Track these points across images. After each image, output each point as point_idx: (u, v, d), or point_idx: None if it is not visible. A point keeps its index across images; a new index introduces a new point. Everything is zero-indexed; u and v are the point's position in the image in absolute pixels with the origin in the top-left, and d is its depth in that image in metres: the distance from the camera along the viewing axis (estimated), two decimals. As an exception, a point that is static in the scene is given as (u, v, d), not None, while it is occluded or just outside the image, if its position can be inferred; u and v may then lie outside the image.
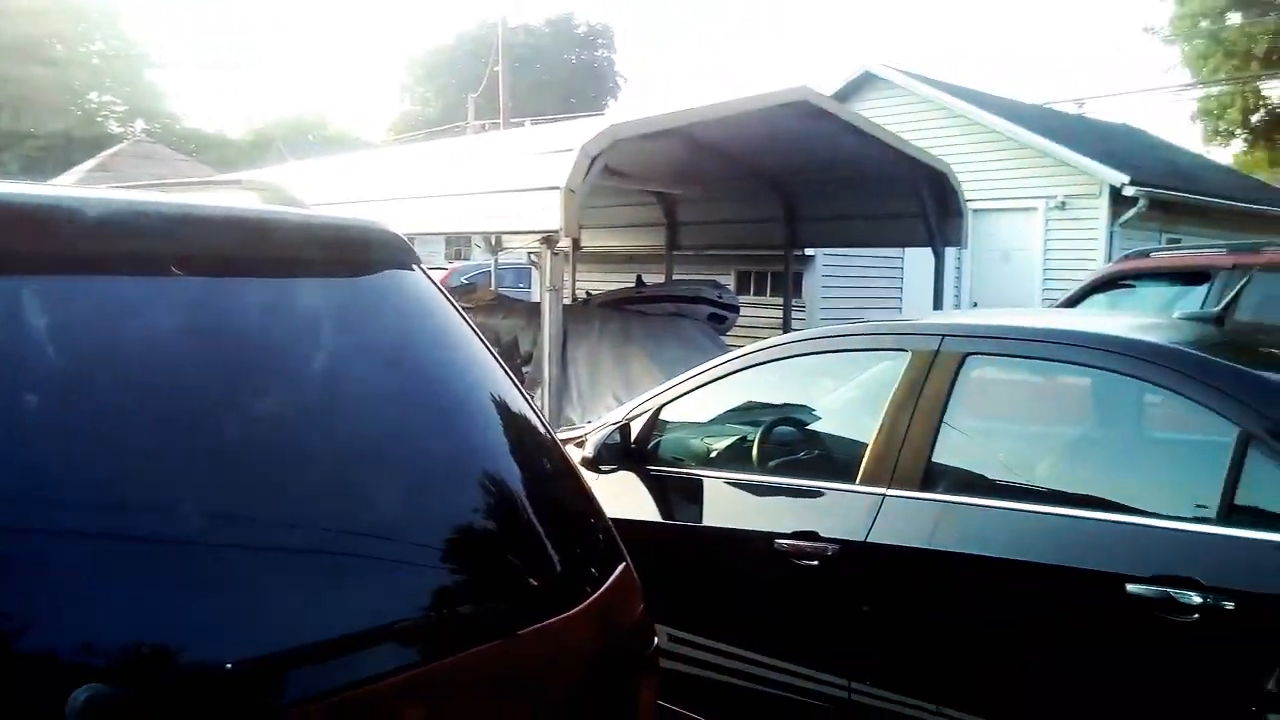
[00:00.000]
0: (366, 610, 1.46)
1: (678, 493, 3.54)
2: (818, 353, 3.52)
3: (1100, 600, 2.52)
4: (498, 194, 6.84)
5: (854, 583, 2.98)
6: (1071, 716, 2.58)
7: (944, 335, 3.11)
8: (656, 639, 1.96)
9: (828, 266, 14.06)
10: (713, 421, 3.95)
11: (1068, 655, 2.60)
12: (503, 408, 1.85)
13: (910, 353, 3.13)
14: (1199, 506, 2.52)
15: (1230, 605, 2.30)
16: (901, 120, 14.19)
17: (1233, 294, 3.26)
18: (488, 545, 1.70)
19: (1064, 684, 2.60)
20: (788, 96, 8.01)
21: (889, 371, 3.20)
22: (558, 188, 6.06)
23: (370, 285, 1.80)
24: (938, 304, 9.70)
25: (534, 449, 1.88)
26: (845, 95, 15.71)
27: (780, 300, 12.27)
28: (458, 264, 23.20)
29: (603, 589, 1.75)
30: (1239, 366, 2.65)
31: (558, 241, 6.27)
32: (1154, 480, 2.90)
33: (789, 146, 9.18)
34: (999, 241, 14.93)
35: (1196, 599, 2.34)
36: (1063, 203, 14.26)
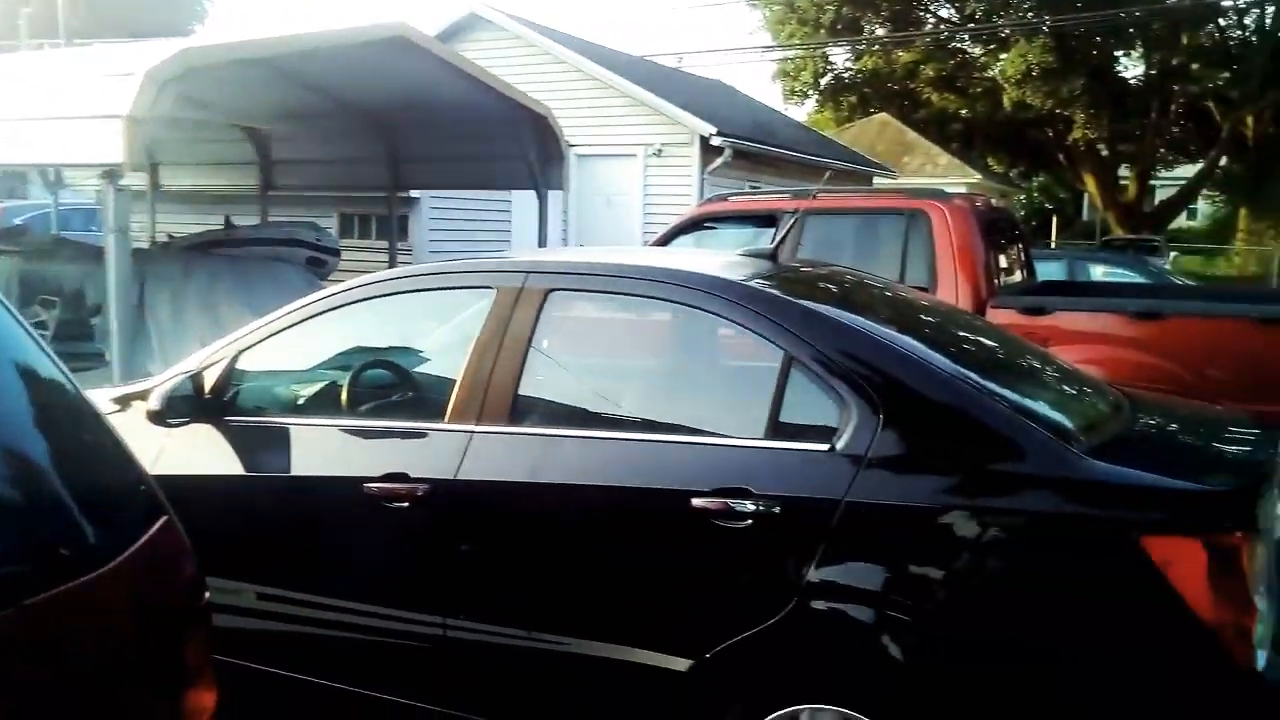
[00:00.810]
0: None
1: (260, 443, 3.33)
2: (404, 292, 3.43)
3: (671, 514, 2.69)
4: (49, 121, 5.99)
5: (446, 520, 2.97)
6: (652, 624, 2.74)
7: (528, 272, 3.15)
8: (208, 593, 1.83)
9: (435, 209, 13.92)
10: (300, 367, 3.76)
11: (645, 568, 2.77)
12: (6, 358, 1.62)
13: (496, 290, 3.14)
14: (753, 424, 2.75)
15: (777, 510, 2.55)
16: (507, 63, 14.27)
17: (783, 233, 3.58)
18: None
19: (643, 594, 2.77)
20: (384, 32, 7.73)
21: (477, 310, 3.19)
22: (119, 116, 5.42)
23: None
24: (543, 246, 9.93)
25: (48, 403, 1.67)
26: (450, 35, 15.52)
27: (386, 244, 11.97)
28: (6, 204, 20.08)
29: (135, 547, 1.59)
30: (781, 295, 2.92)
31: (121, 176, 5.62)
32: (718, 402, 3.14)
33: (389, 85, 8.91)
34: (603, 186, 15.57)
35: (750, 506, 2.57)
36: (659, 150, 15.12)
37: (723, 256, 3.47)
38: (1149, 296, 6.21)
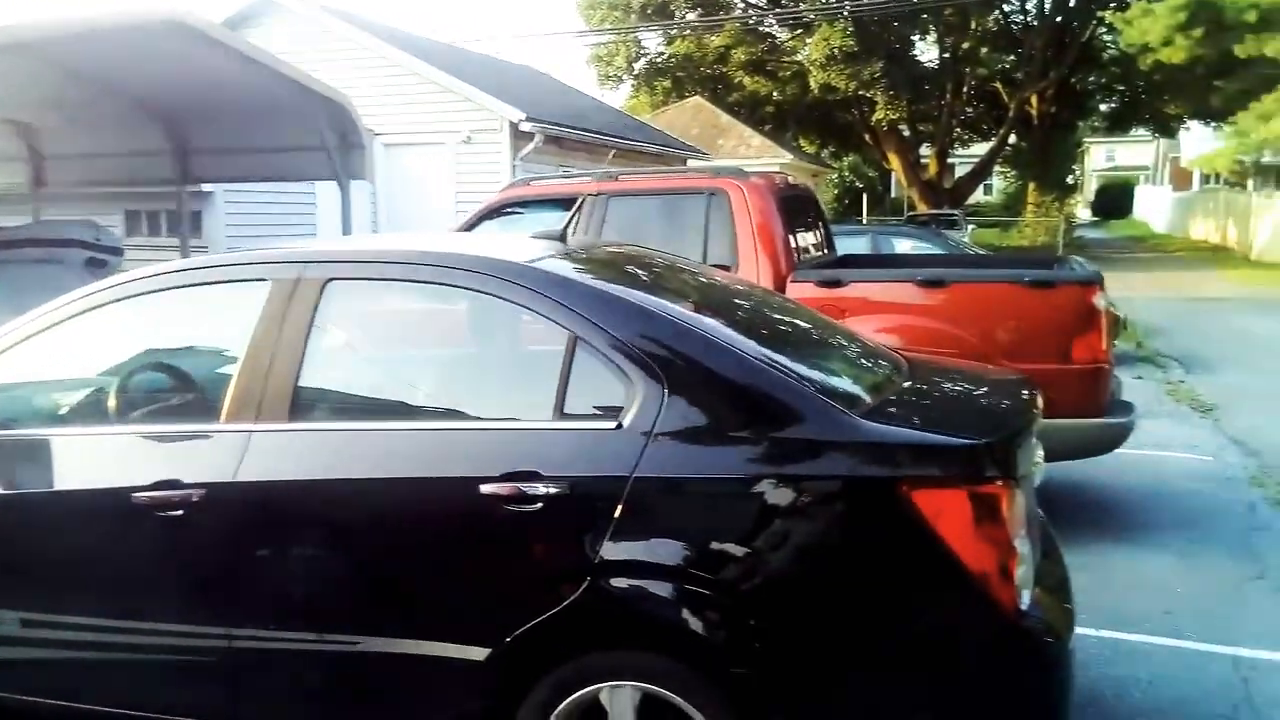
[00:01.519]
0: None
1: (10, 459, 3.07)
2: (172, 289, 3.22)
3: (461, 502, 2.63)
4: None
5: (225, 525, 2.83)
6: (449, 615, 2.69)
7: (304, 263, 3.03)
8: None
9: (231, 202, 13.23)
10: (63, 373, 3.49)
11: (439, 560, 2.71)
12: None
13: (271, 282, 3.00)
14: (541, 407, 2.71)
15: (567, 490, 2.53)
16: (305, 51, 13.74)
17: (573, 214, 3.57)
18: None
19: (438, 586, 2.71)
20: (158, 16, 7.28)
21: (253, 304, 3.04)
22: None
23: None
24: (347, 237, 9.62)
25: None
26: (241, 21, 14.85)
27: (178, 241, 11.29)
28: None
29: None
30: (564, 275, 2.89)
31: None
32: (505, 387, 3.08)
33: (172, 73, 8.41)
34: (412, 174, 15.21)
35: (541, 489, 2.54)
36: (469, 137, 14.88)
37: (510, 239, 3.42)
38: (936, 266, 6.50)
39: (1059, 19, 32.98)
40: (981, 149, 39.63)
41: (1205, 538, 5.64)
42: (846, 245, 13.22)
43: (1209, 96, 26.57)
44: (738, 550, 2.50)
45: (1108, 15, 25.26)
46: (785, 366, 2.69)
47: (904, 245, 14.09)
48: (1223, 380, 10.64)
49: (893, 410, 2.73)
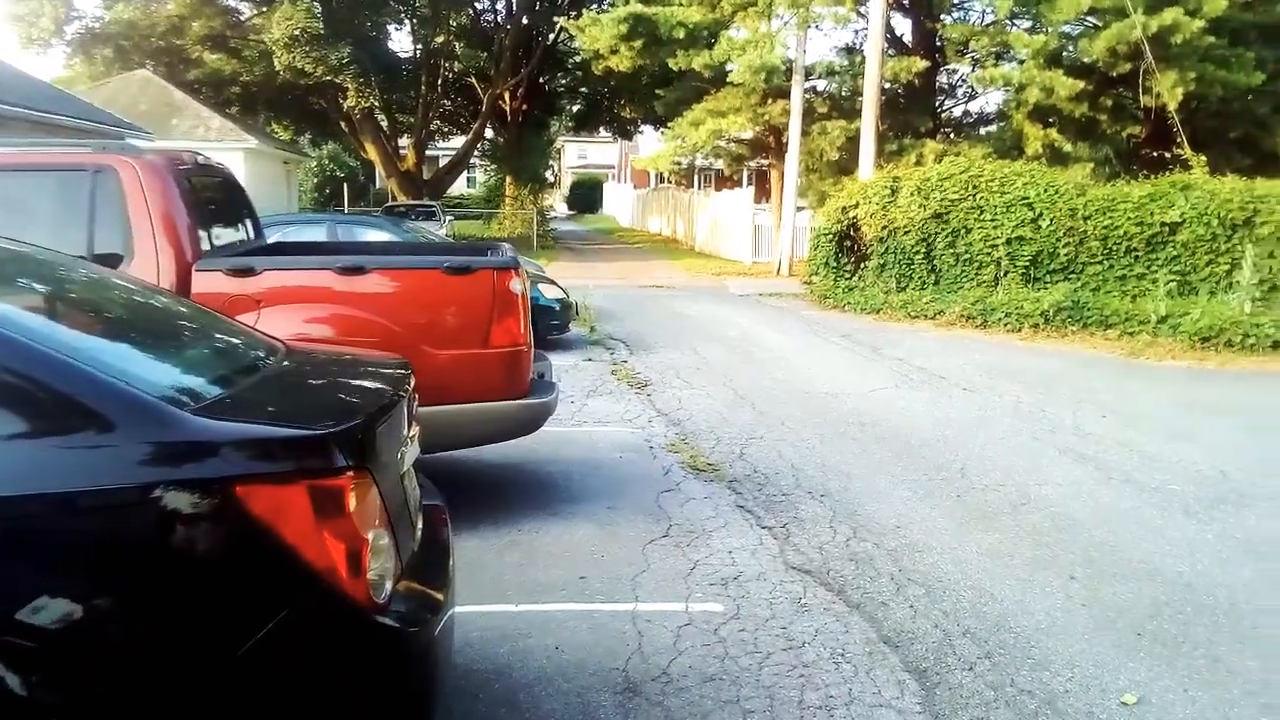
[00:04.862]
0: None
1: None
2: None
3: None
4: None
5: None
6: None
7: None
8: None
9: None
10: None
11: None
12: None
13: None
14: None
15: None
16: None
17: None
18: None
19: None
20: None
21: None
22: None
23: None
24: None
25: None
26: None
27: None
28: None
29: None
30: None
31: None
32: None
33: None
34: None
35: None
36: None
37: None
38: (363, 254, 6.31)
39: (525, 21, 34.73)
40: (460, 142, 40.63)
41: (625, 503, 6.09)
42: (304, 234, 12.81)
43: (654, 103, 29.66)
44: (49, 583, 2.08)
45: (565, 21, 26.93)
46: (100, 362, 2.32)
47: (368, 235, 13.94)
48: (659, 359, 11.78)
49: (240, 404, 2.48)
